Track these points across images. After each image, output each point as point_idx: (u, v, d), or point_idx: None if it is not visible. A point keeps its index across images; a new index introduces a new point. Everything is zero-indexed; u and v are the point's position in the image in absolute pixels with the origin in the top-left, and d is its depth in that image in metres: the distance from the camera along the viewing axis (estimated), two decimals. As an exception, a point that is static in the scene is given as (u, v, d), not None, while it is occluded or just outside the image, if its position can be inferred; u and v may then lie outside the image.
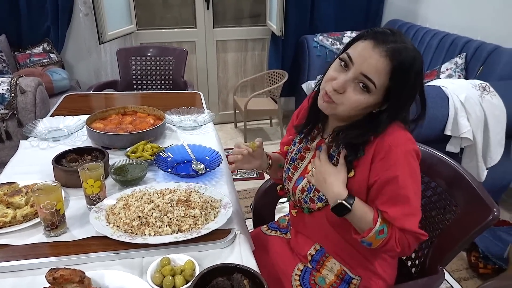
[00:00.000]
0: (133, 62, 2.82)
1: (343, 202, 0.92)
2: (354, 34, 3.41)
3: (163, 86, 2.87)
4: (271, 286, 1.08)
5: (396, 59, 0.85)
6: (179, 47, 3.05)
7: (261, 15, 3.63)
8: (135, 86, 2.85)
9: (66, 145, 1.47)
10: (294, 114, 1.18)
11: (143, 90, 2.83)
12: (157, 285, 0.85)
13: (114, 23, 2.93)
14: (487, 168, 2.13)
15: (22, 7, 2.96)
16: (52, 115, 1.75)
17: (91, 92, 2.50)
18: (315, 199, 1.04)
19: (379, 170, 0.91)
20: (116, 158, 1.33)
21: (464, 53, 2.50)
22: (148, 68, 2.84)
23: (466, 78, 2.44)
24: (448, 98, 2.01)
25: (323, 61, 3.33)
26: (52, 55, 3.08)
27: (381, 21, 3.63)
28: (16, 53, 3.01)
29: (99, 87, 2.68)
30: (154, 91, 2.70)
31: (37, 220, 1.03)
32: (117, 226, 1.00)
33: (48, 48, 3.10)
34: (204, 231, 0.98)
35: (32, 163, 1.35)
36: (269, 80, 3.62)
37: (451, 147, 2.08)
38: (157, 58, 2.84)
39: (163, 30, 3.47)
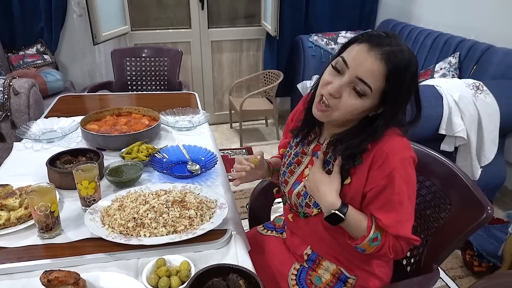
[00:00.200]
0: (128, 63, 2.81)
1: (336, 212, 0.92)
2: (349, 34, 3.42)
3: (158, 87, 2.86)
4: (267, 285, 1.09)
5: (391, 62, 0.84)
6: (174, 47, 3.04)
7: (256, 16, 3.63)
8: (129, 87, 2.84)
9: (60, 147, 1.47)
10: (289, 117, 1.18)
11: (138, 91, 2.82)
12: (152, 286, 0.85)
13: (108, 24, 2.92)
14: (481, 167, 2.14)
15: (15, 8, 2.94)
16: (46, 117, 1.74)
17: (86, 93, 2.49)
18: (311, 204, 1.04)
19: (377, 178, 0.91)
20: (111, 159, 1.33)
21: (458, 53, 2.51)
22: (143, 69, 2.83)
23: (460, 77, 2.46)
24: (442, 97, 2.02)
25: (318, 61, 3.34)
26: (45, 56, 3.07)
27: (376, 21, 3.64)
28: (9, 54, 2.98)
29: (94, 88, 2.67)
30: (149, 92, 2.70)
31: (32, 222, 1.02)
32: (112, 228, 0.99)
33: (41, 49, 3.08)
34: (199, 232, 0.98)
35: (26, 165, 1.34)
36: (264, 80, 3.62)
37: (445, 146, 2.09)
38: (152, 59, 2.83)
39: (158, 31, 3.46)
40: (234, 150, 3.35)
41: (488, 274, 1.89)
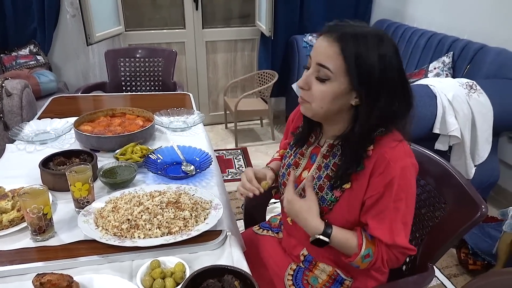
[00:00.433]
0: (122, 64, 2.79)
1: (320, 237, 0.93)
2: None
3: (152, 88, 2.85)
4: (264, 286, 1.08)
5: (344, 41, 0.85)
6: (168, 48, 3.03)
7: (250, 16, 3.63)
8: (124, 88, 2.82)
9: (53, 148, 1.45)
10: (290, 118, 1.19)
11: (132, 92, 2.81)
12: (147, 288, 0.84)
13: (102, 24, 2.91)
14: (475, 166, 2.16)
15: (8, 9, 2.91)
16: (39, 118, 1.73)
17: (79, 94, 2.47)
18: None
19: (377, 185, 0.90)
20: (104, 161, 1.32)
21: (451, 52, 2.53)
22: (137, 69, 2.82)
23: (453, 76, 2.47)
24: (436, 96, 2.03)
25: (313, 61, 3.34)
26: (39, 57, 3.04)
27: (370, 21, 3.66)
28: (1, 55, 2.96)
29: (87, 89, 2.65)
30: (143, 93, 2.68)
31: (24, 224, 1.01)
32: (106, 230, 0.99)
33: (34, 50, 3.06)
34: (194, 233, 0.98)
35: (18, 166, 1.33)
36: (259, 80, 3.62)
37: (439, 145, 2.10)
38: (146, 59, 2.82)
39: (152, 31, 3.45)
40: (229, 151, 3.34)
41: (483, 272, 1.90)
